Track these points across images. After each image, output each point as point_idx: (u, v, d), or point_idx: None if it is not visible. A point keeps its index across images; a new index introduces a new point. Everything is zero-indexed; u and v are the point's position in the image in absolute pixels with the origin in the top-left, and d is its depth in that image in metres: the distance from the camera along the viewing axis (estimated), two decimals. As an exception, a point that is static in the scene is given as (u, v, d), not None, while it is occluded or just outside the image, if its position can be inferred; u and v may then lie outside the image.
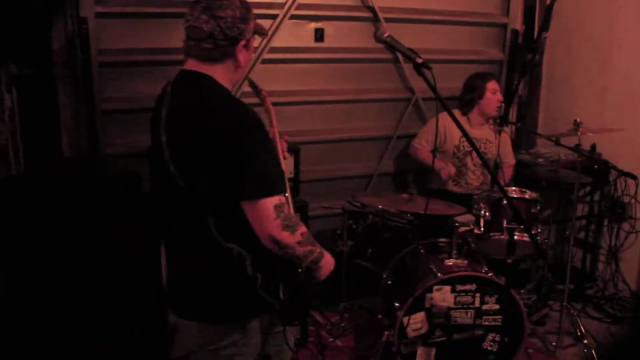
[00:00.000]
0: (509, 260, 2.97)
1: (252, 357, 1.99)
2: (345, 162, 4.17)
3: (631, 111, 3.96)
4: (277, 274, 1.90)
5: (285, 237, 1.76)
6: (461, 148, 3.81)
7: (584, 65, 4.30)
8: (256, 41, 3.58)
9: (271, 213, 1.73)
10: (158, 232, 2.10)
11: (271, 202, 1.73)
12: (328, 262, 2.00)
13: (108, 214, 2.58)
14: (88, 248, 2.54)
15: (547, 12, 4.32)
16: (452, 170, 3.77)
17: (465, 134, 2.07)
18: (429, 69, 2.01)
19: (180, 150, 1.81)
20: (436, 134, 3.77)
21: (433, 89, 2.01)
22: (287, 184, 2.05)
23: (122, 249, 2.62)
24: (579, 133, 3.24)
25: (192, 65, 1.89)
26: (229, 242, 1.81)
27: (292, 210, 1.82)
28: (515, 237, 2.95)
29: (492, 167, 3.87)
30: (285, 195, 1.85)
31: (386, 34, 2.06)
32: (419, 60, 2.01)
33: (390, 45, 2.07)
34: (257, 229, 1.75)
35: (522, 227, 2.85)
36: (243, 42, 1.88)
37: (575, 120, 3.25)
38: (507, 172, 3.97)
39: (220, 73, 1.88)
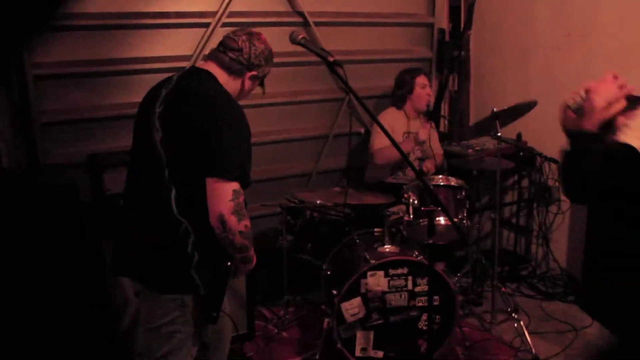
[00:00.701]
0: (429, 241, 3.13)
1: (190, 338, 2.11)
2: (284, 162, 4.30)
3: (553, 100, 4.18)
4: (211, 260, 2.04)
5: (232, 220, 1.93)
6: None
7: (507, 60, 4.56)
8: (191, 49, 3.74)
9: (228, 194, 1.93)
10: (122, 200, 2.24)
11: (232, 185, 1.94)
12: (250, 267, 2.18)
13: (46, 223, 2.65)
14: (27, 256, 2.60)
15: (469, 11, 4.57)
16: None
17: (391, 140, 2.21)
18: (341, 66, 2.18)
19: (171, 121, 2.03)
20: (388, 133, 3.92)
21: (345, 83, 2.18)
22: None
23: (60, 256, 2.69)
24: (496, 122, 3.46)
25: (208, 66, 2.16)
26: (182, 217, 1.99)
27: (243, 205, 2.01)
28: (442, 222, 3.15)
29: (429, 157, 4.08)
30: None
31: (300, 36, 2.23)
32: (331, 59, 2.17)
33: (305, 46, 2.23)
34: (211, 205, 1.93)
35: (439, 208, 3.03)
36: (255, 73, 2.20)
37: (492, 110, 3.48)
38: (438, 160, 4.17)
39: (227, 83, 2.14)
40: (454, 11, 4.76)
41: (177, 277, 2.03)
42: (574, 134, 1.75)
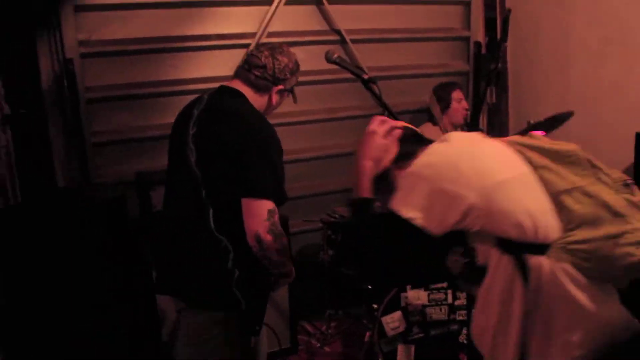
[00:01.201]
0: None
1: (233, 351, 2.17)
2: (325, 178, 4.35)
3: (593, 109, 4.17)
4: (251, 275, 2.10)
5: (268, 239, 1.98)
6: None
7: (545, 70, 4.53)
8: (232, 70, 3.84)
9: (264, 214, 1.97)
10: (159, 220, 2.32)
11: (267, 205, 1.98)
12: (289, 280, 2.26)
13: (96, 238, 2.78)
14: (80, 269, 2.72)
15: (504, 23, 4.56)
16: None
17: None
18: (375, 83, 2.25)
19: (206, 143, 2.07)
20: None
21: (379, 99, 2.23)
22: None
23: (110, 269, 2.80)
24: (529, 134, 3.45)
25: (235, 84, 2.18)
26: (221, 234, 2.03)
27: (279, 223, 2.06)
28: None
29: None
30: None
31: (335, 55, 2.31)
32: (365, 77, 2.24)
33: (339, 65, 2.31)
34: (247, 225, 1.98)
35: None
36: (281, 87, 2.20)
37: (529, 122, 3.47)
38: None
39: (254, 100, 2.17)
40: (489, 24, 4.76)
41: (219, 294, 2.08)
42: (350, 203, 1.57)
